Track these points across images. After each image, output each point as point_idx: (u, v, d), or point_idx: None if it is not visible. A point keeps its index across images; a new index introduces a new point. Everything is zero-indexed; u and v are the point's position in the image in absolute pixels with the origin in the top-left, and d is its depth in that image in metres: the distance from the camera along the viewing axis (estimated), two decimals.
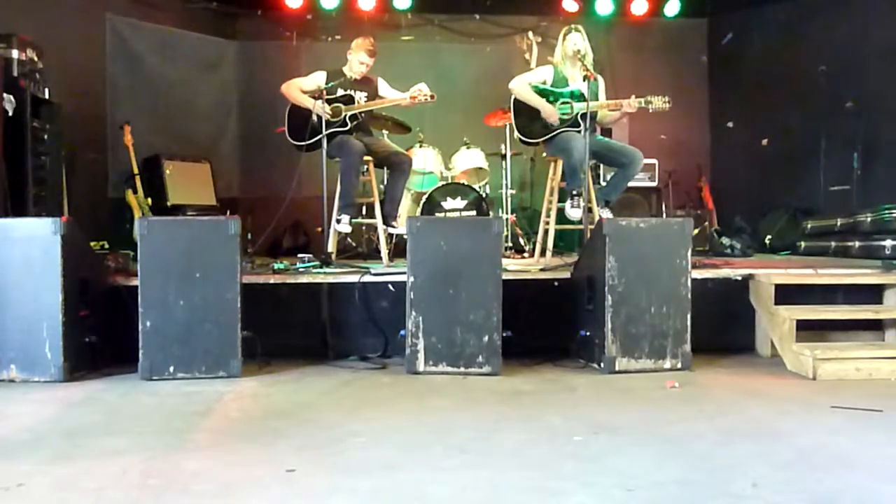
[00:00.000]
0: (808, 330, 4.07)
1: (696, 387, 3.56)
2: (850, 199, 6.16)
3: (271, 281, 4.18)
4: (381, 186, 5.48)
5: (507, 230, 6.06)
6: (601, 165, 6.11)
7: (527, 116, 4.81)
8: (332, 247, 4.96)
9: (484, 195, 5.88)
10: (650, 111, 4.62)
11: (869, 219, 5.43)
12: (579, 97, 4.71)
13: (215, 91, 7.36)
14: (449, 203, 5.73)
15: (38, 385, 3.56)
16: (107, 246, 5.06)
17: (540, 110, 4.72)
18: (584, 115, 4.58)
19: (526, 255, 5.78)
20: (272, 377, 3.77)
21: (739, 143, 7.39)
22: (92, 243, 4.38)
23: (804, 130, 6.63)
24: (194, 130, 7.13)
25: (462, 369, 3.78)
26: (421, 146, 6.13)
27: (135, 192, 6.05)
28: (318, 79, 5.04)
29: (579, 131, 4.61)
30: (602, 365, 3.82)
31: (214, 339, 3.69)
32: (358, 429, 2.83)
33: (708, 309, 4.14)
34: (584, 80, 4.63)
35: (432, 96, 4.86)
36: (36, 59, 4.95)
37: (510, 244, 6.06)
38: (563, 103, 4.74)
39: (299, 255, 4.71)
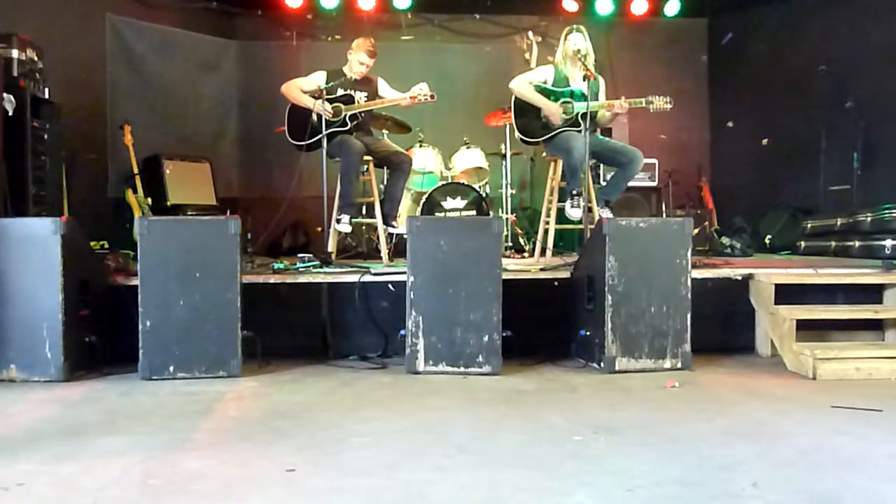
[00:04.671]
0: (808, 330, 4.07)
1: (696, 387, 3.56)
2: (850, 199, 6.16)
3: (271, 281, 4.18)
4: (381, 186, 5.48)
5: (507, 230, 6.06)
6: (601, 165, 6.11)
7: (527, 116, 4.81)
8: (332, 246, 4.96)
9: (484, 195, 5.87)
10: (651, 111, 4.61)
11: (869, 219, 5.43)
12: (580, 97, 4.71)
13: (215, 91, 7.36)
14: (449, 203, 5.73)
15: (38, 385, 3.56)
16: (107, 246, 5.05)
17: (542, 109, 4.72)
18: (584, 115, 4.58)
19: (526, 254, 5.78)
20: (272, 377, 3.77)
21: (739, 143, 7.39)
22: (92, 243, 4.38)
23: (804, 130, 6.62)
24: (194, 130, 7.13)
25: (462, 369, 3.78)
26: (421, 146, 6.13)
27: (135, 191, 6.05)
28: (318, 79, 5.04)
29: (579, 131, 4.61)
30: (602, 365, 3.82)
31: (214, 338, 3.69)
32: (358, 429, 2.83)
33: (708, 309, 4.14)
34: (584, 80, 4.63)
35: (432, 96, 4.86)
36: (36, 59, 4.95)
37: (510, 244, 6.06)
38: (563, 103, 4.73)
39: (299, 255, 4.70)
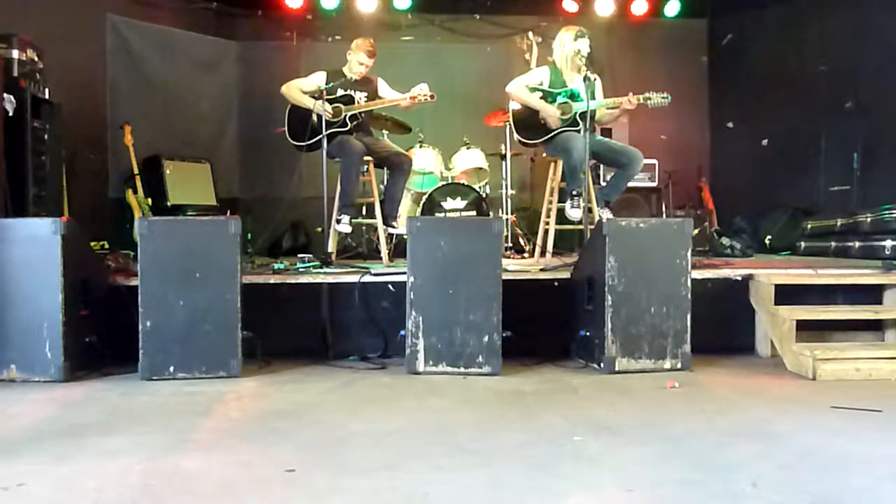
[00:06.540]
0: (808, 330, 4.07)
1: (696, 387, 3.56)
2: (850, 199, 6.16)
3: (271, 281, 4.18)
4: (381, 186, 5.48)
5: (507, 230, 6.06)
6: (601, 165, 6.11)
7: (526, 121, 4.81)
8: (332, 247, 4.96)
9: (484, 195, 5.88)
10: (649, 108, 4.61)
11: (869, 219, 5.44)
12: (577, 97, 4.70)
13: (215, 91, 7.36)
14: (449, 203, 5.73)
15: (38, 385, 3.56)
16: (107, 246, 5.06)
17: (539, 111, 4.72)
18: (583, 115, 4.58)
19: (526, 255, 5.78)
20: (272, 377, 3.77)
21: (739, 143, 7.39)
22: (92, 243, 4.38)
23: (804, 130, 6.63)
24: (194, 130, 7.13)
25: (462, 369, 3.78)
26: (421, 146, 6.13)
27: (135, 192, 6.05)
28: (318, 79, 5.04)
29: (579, 131, 4.61)
30: (602, 365, 3.82)
31: (214, 339, 3.69)
32: (358, 429, 2.83)
33: (708, 309, 4.13)
34: (584, 81, 4.63)
35: (432, 96, 4.87)
36: (36, 59, 4.95)
37: (510, 244, 6.06)
38: (562, 103, 4.73)
39: (299, 255, 4.71)
